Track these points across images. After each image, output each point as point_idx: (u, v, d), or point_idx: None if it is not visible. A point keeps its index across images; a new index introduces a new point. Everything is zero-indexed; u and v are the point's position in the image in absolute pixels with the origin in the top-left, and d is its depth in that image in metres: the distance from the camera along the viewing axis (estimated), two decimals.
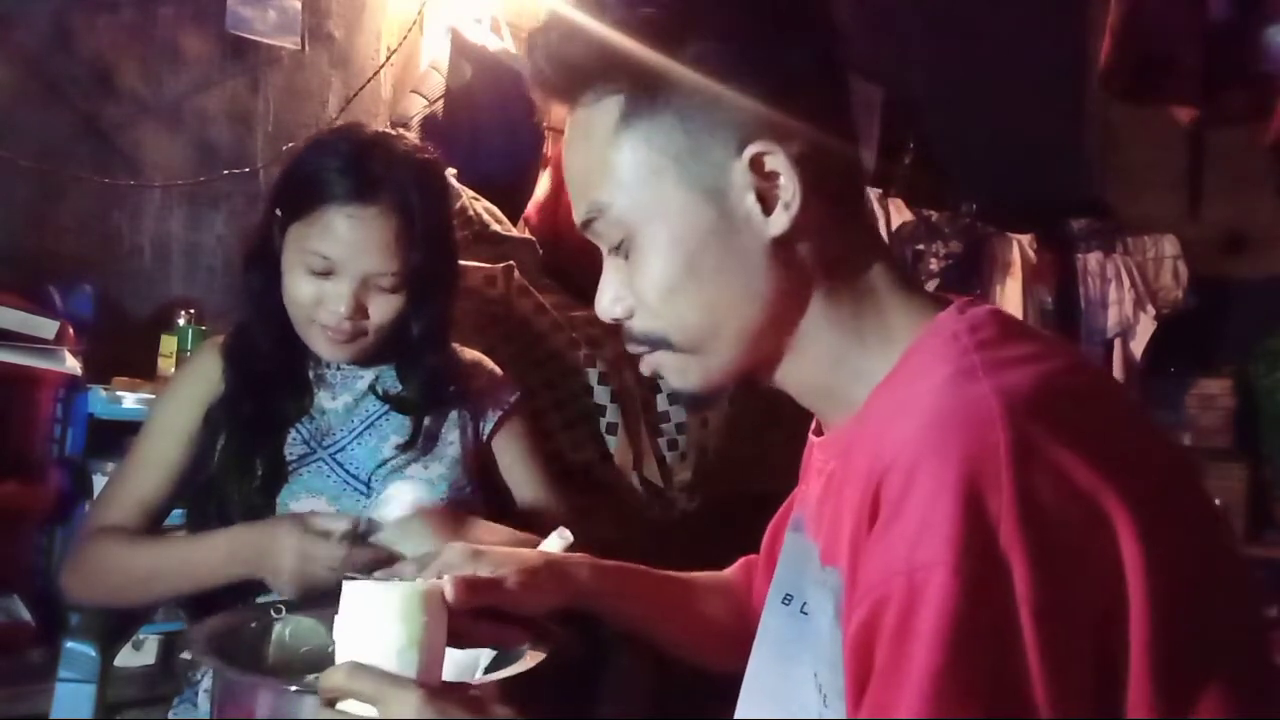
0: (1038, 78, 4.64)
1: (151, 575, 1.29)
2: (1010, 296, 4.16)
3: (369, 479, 1.34)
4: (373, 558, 1.16)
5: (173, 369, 2.12)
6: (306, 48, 2.58)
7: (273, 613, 1.04)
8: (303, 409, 1.36)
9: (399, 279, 1.30)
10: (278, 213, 1.33)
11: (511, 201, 2.60)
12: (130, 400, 2.01)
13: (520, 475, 1.47)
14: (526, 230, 2.61)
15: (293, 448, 1.34)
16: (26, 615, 1.90)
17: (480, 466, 1.44)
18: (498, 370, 1.51)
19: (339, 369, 1.39)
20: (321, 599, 1.02)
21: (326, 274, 1.28)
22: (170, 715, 1.38)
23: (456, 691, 0.75)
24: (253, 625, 1.02)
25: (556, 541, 1.00)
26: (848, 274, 0.76)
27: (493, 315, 2.21)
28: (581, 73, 0.75)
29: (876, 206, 3.81)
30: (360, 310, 1.30)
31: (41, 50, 2.19)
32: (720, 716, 0.83)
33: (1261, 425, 4.59)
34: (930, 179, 4.19)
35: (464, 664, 0.90)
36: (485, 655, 0.93)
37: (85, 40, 2.25)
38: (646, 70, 0.72)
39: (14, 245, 2.15)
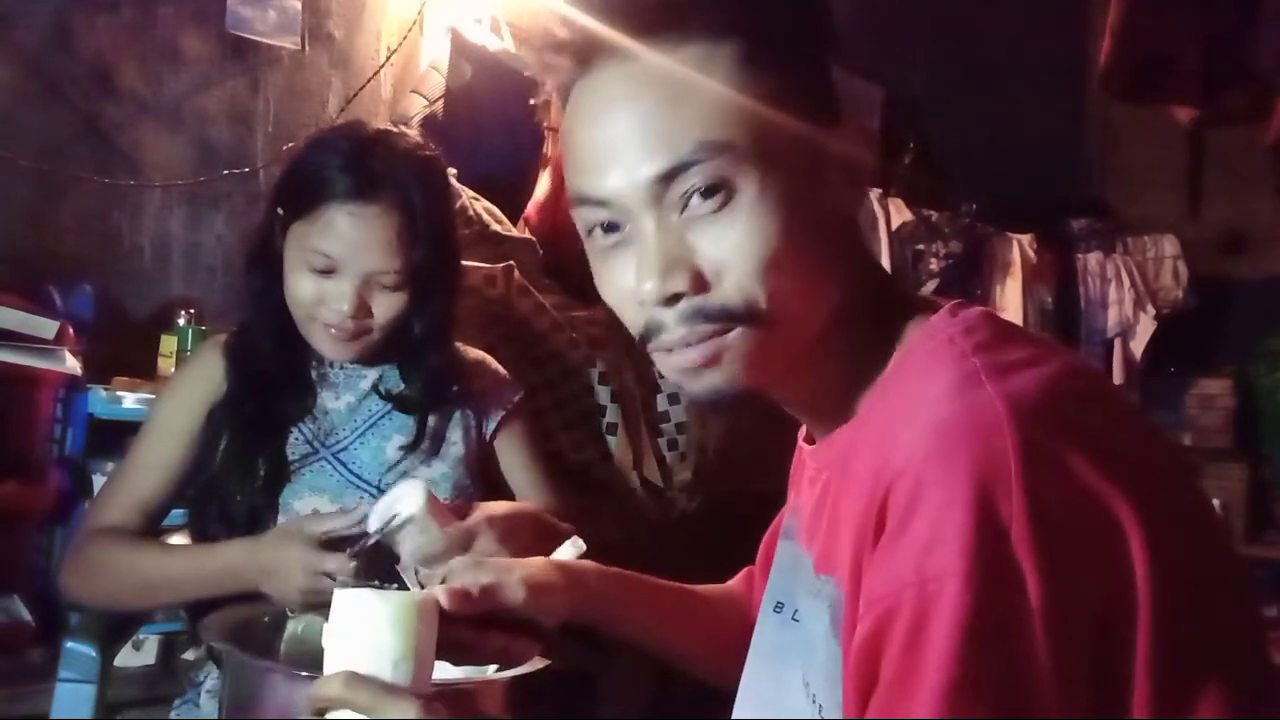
0: (1038, 78, 4.64)
1: (151, 583, 1.29)
2: (1010, 297, 4.16)
3: (379, 483, 1.33)
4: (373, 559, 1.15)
5: (173, 369, 2.12)
6: (306, 48, 2.58)
7: (287, 610, 1.04)
8: (305, 408, 1.36)
9: (401, 277, 1.29)
10: (279, 211, 1.32)
11: (511, 201, 2.60)
12: (130, 400, 2.01)
13: (522, 476, 1.47)
14: (526, 230, 2.61)
15: (295, 447, 1.34)
16: (26, 615, 1.90)
17: (482, 466, 1.44)
18: (501, 370, 1.51)
19: (341, 368, 1.39)
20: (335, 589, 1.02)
21: (328, 272, 1.27)
22: (172, 716, 1.38)
23: (450, 700, 0.75)
24: (266, 620, 1.02)
25: (570, 550, 1.00)
26: (852, 272, 0.75)
27: (493, 315, 2.21)
28: (707, 3, 0.70)
29: (876, 206, 3.81)
30: (363, 308, 1.29)
31: (41, 50, 2.19)
32: None
33: (1261, 425, 4.59)
34: (930, 179, 4.19)
35: (469, 676, 0.89)
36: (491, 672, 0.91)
37: (85, 40, 2.25)
38: (772, 16, 0.71)
39: (14, 245, 2.15)
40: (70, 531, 1.94)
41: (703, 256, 0.68)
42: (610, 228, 0.71)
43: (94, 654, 1.30)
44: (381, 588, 1.17)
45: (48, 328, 1.91)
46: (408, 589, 1.15)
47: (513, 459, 1.46)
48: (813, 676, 0.71)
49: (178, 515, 1.41)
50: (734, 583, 1.09)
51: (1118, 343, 4.49)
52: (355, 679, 0.70)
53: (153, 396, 1.91)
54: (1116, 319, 4.48)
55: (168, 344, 2.21)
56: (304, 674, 0.82)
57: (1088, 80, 4.51)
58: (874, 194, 3.78)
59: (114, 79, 2.29)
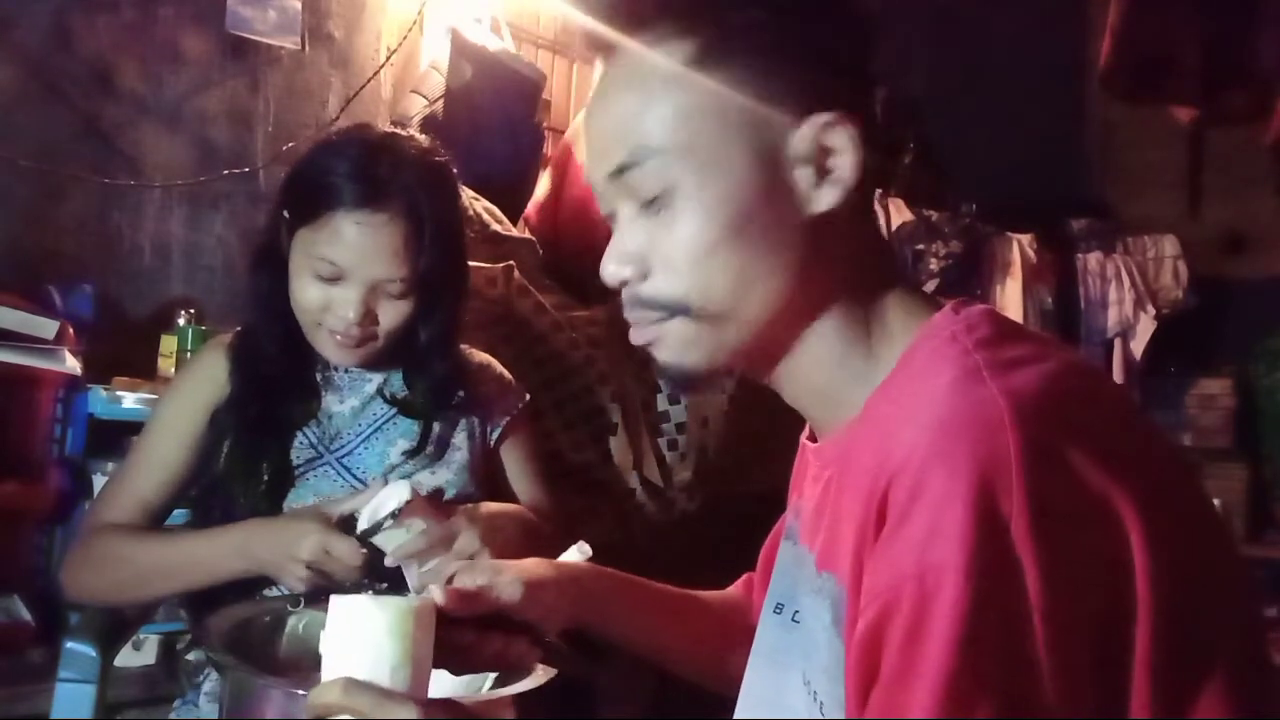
0: (1038, 78, 4.64)
1: (155, 569, 1.28)
2: (1010, 296, 4.16)
3: None
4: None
5: (173, 369, 2.12)
6: (306, 48, 2.58)
7: (288, 606, 1.04)
8: (310, 412, 1.35)
9: (408, 285, 1.28)
10: (285, 215, 1.31)
11: (511, 201, 2.60)
12: (130, 400, 2.00)
13: (525, 483, 1.46)
14: (526, 230, 2.61)
15: (299, 451, 1.33)
16: (26, 615, 1.90)
17: (487, 472, 1.43)
18: (506, 374, 1.50)
19: (346, 372, 1.39)
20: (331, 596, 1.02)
21: (335, 280, 1.26)
22: (171, 717, 1.38)
23: (448, 707, 0.75)
24: (266, 619, 1.02)
25: (575, 554, 1.00)
26: (859, 270, 0.75)
27: (493, 315, 2.21)
28: (659, 5, 0.72)
29: (877, 206, 3.81)
30: (370, 316, 1.28)
31: (41, 50, 2.19)
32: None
33: (1261, 425, 4.58)
34: (930, 179, 4.18)
35: (470, 689, 0.89)
36: (489, 680, 0.91)
37: (85, 40, 2.25)
38: (725, 16, 0.71)
39: (14, 245, 2.15)
40: (70, 531, 1.94)
41: (651, 248, 0.73)
42: (611, 211, 0.77)
43: (94, 654, 1.30)
44: (379, 590, 1.18)
45: (48, 328, 1.91)
46: (407, 590, 1.16)
47: (517, 466, 1.46)
48: (814, 674, 0.71)
49: (179, 516, 1.41)
50: (733, 589, 1.09)
51: (1118, 343, 4.48)
52: (354, 685, 0.70)
53: (153, 396, 1.91)
54: (1116, 319, 4.47)
55: (168, 344, 2.21)
56: (302, 692, 0.82)
57: (1088, 80, 4.50)
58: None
59: (114, 79, 2.29)
